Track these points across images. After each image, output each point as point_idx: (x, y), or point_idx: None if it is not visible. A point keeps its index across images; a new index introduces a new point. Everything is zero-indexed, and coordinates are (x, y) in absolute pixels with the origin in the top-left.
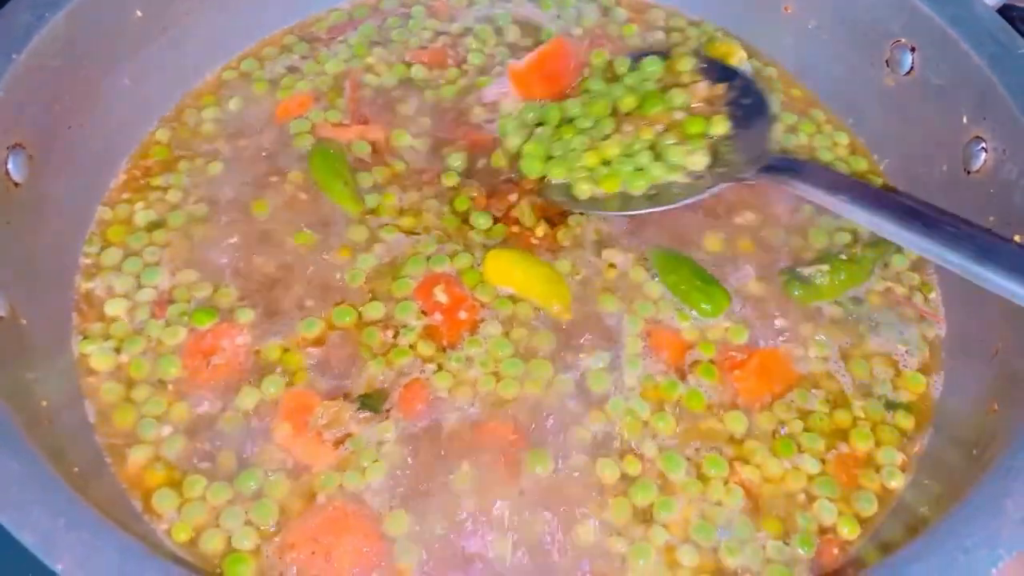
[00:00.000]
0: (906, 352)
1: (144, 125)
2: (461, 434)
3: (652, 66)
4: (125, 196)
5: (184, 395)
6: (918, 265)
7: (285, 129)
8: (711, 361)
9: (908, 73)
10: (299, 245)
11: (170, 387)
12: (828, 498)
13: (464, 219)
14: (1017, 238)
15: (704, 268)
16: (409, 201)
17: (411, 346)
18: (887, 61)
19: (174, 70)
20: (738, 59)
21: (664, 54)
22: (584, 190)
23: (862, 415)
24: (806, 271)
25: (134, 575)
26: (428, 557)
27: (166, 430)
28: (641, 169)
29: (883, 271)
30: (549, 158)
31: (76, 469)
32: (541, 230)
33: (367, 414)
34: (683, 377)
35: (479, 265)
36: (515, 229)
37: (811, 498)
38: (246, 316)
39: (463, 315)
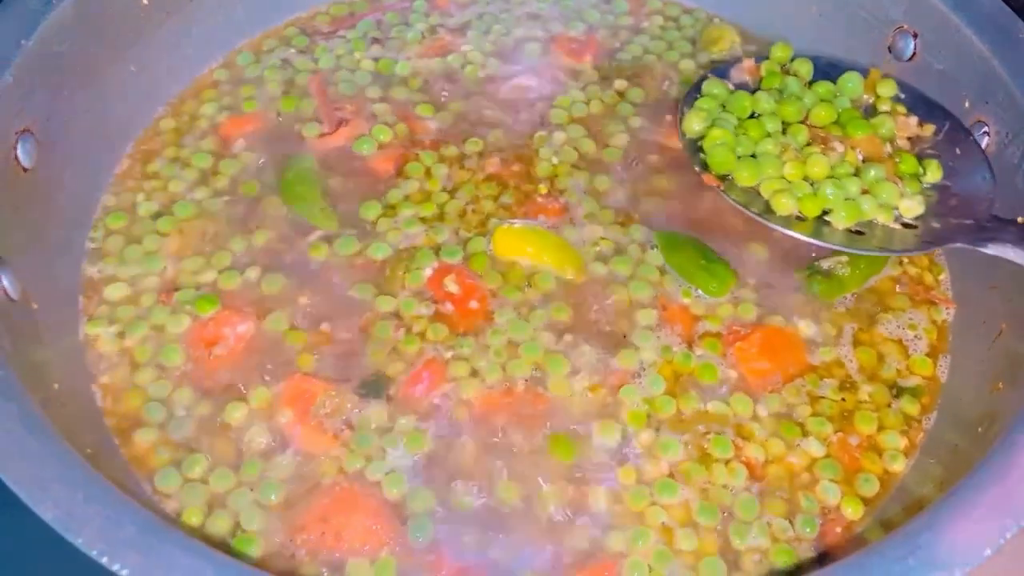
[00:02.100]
0: (915, 336)
1: (149, 112)
2: (470, 418)
3: (852, 82)
4: (129, 184)
5: (188, 380)
6: None
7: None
8: (716, 334)
9: (910, 59)
10: (303, 237)
11: (175, 373)
12: (831, 480)
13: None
14: (1020, 219)
15: (708, 246)
16: (428, 187)
17: (420, 333)
18: (889, 47)
19: (178, 58)
20: (730, 43)
21: (863, 71)
22: (785, 205)
23: (868, 400)
24: (826, 264)
25: (152, 547)
26: (440, 535)
27: (171, 414)
28: (851, 200)
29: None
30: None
31: (88, 450)
32: (544, 187)
33: (371, 400)
34: (691, 346)
35: (489, 248)
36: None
37: (815, 480)
38: (249, 304)
39: (474, 304)
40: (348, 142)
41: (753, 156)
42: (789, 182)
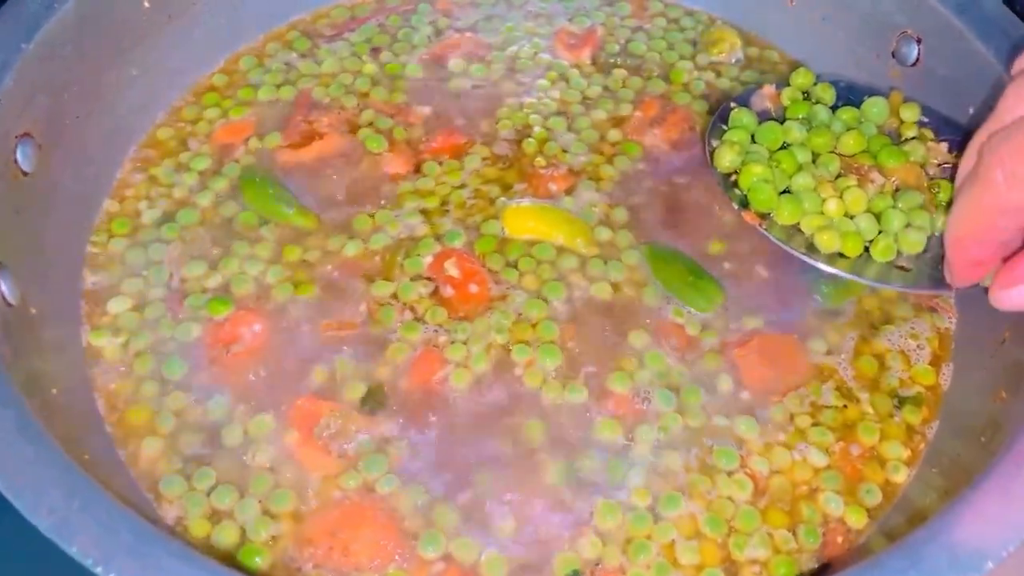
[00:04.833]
0: (917, 346)
1: (150, 117)
2: (473, 421)
3: (876, 107)
4: (130, 191)
5: (196, 390)
6: None
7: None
8: (712, 348)
9: (914, 64)
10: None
11: (182, 382)
12: (834, 491)
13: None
14: None
15: (696, 261)
16: (434, 184)
17: (419, 319)
18: (893, 52)
19: (180, 61)
20: (730, 46)
21: (882, 93)
22: (828, 243)
23: (870, 409)
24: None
25: (148, 556)
26: (450, 550)
27: (179, 424)
28: (898, 235)
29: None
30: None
31: (87, 457)
32: (543, 160)
33: (375, 414)
34: (688, 358)
35: (502, 230)
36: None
37: (817, 490)
38: (261, 306)
39: (474, 288)
40: (315, 156)
41: (787, 191)
42: (831, 218)
